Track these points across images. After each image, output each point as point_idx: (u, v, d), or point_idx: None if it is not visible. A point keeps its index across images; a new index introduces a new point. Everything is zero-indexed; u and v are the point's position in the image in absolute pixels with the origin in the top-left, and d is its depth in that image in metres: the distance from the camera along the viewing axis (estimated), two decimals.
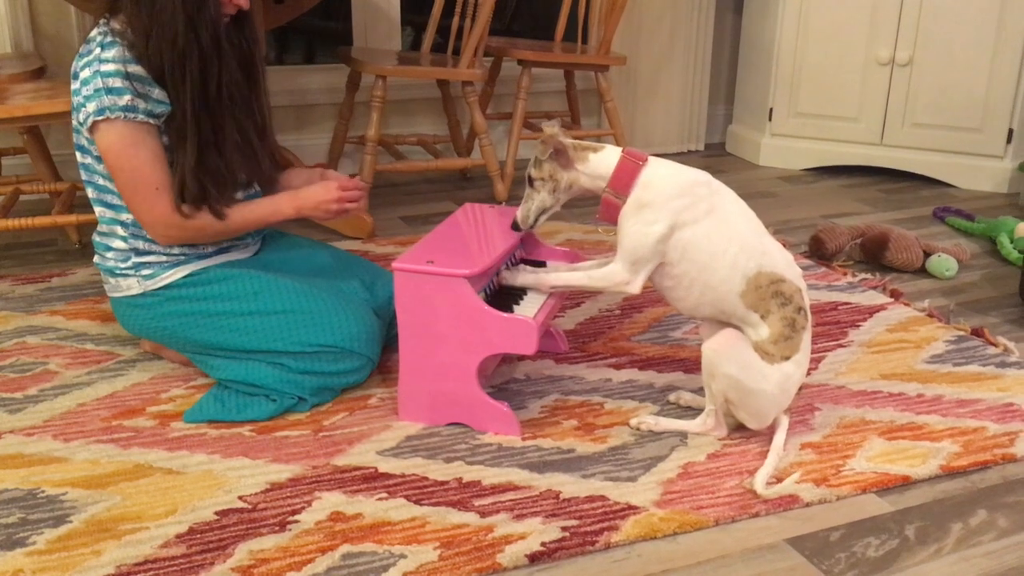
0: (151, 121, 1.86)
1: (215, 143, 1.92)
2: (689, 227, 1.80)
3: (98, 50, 1.84)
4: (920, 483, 1.80)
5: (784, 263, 1.85)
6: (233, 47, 1.94)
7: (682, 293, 1.86)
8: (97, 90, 1.82)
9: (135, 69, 1.84)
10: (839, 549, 1.61)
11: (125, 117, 1.83)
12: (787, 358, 1.81)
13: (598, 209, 1.88)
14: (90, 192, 1.99)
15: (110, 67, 1.82)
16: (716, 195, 1.84)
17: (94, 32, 1.88)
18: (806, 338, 1.84)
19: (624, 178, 1.83)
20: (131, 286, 1.99)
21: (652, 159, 1.86)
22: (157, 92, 1.86)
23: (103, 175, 1.94)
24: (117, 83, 1.82)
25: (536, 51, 3.46)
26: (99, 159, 1.92)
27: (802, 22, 3.86)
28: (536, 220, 1.92)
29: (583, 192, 1.90)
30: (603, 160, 1.85)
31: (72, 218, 2.63)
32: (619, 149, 1.86)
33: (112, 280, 2.02)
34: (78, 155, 1.97)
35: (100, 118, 1.83)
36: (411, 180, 3.73)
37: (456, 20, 3.35)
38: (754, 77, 4.11)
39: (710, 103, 4.33)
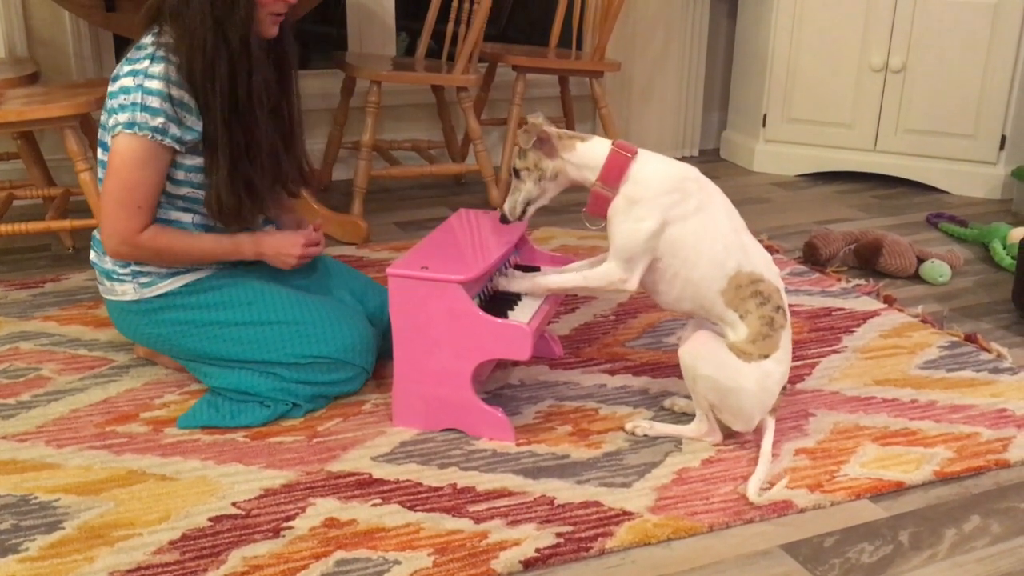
0: (176, 147, 1.86)
1: (247, 151, 1.91)
2: (679, 223, 1.81)
3: (147, 62, 1.83)
4: (914, 489, 1.80)
5: (763, 263, 1.86)
6: (267, 51, 1.94)
7: (664, 287, 1.86)
8: (135, 104, 1.82)
9: (179, 93, 1.84)
10: (833, 555, 1.61)
11: (152, 137, 1.83)
12: (766, 356, 1.81)
13: (586, 203, 1.87)
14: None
15: (154, 84, 1.82)
16: (704, 191, 1.85)
17: (147, 40, 1.87)
18: (786, 337, 1.84)
19: (614, 171, 1.83)
20: (126, 292, 1.99)
21: (642, 152, 1.86)
22: (191, 119, 1.86)
23: (105, 170, 1.93)
24: (155, 103, 1.82)
25: (531, 57, 3.47)
26: None
27: (796, 29, 3.87)
28: (524, 211, 1.91)
29: (570, 183, 1.89)
30: (591, 150, 1.85)
31: (66, 223, 2.63)
32: (608, 141, 1.86)
33: (107, 283, 2.01)
34: (99, 151, 1.96)
35: (128, 131, 1.83)
36: (406, 186, 3.73)
37: (451, 26, 3.36)
38: (748, 83, 4.12)
39: (704, 109, 4.33)
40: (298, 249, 2.04)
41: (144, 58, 1.84)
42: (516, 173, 1.89)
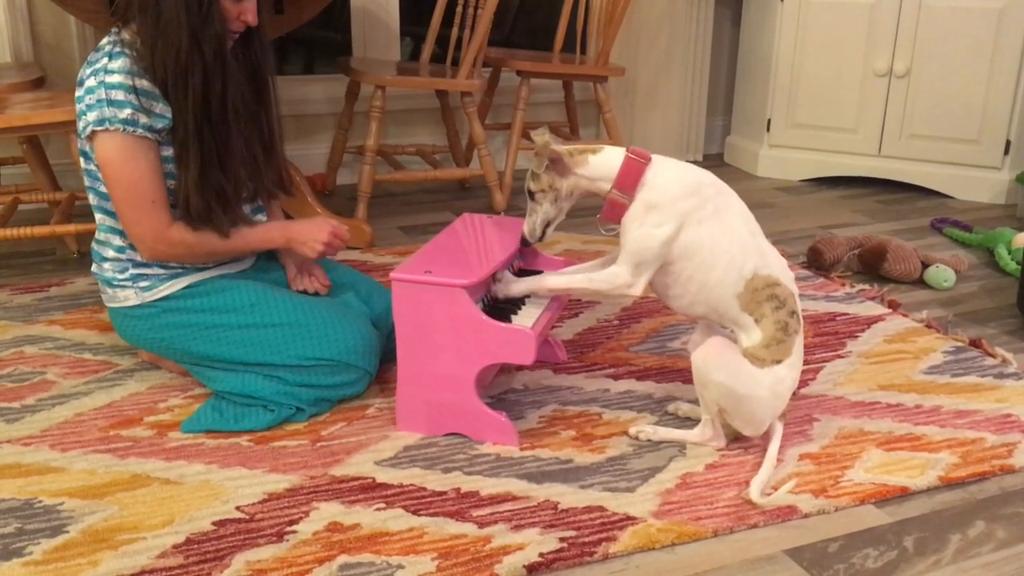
0: (149, 136, 1.86)
1: (218, 158, 1.91)
2: (694, 227, 1.80)
3: (105, 60, 1.85)
4: (918, 494, 1.80)
5: (780, 267, 1.85)
6: (240, 62, 1.95)
7: (679, 291, 1.86)
8: (99, 100, 1.83)
9: (141, 83, 1.84)
10: (837, 560, 1.60)
11: (124, 130, 1.83)
12: (779, 362, 1.81)
13: (601, 209, 1.86)
14: (91, 198, 1.99)
15: (115, 79, 1.83)
16: (721, 196, 1.85)
17: (104, 41, 1.89)
18: (798, 342, 1.84)
19: (630, 177, 1.82)
20: (128, 297, 1.99)
21: (656, 157, 1.85)
22: (160, 107, 1.86)
23: (105, 183, 1.94)
24: (119, 96, 1.82)
25: (535, 62, 3.47)
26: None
27: (800, 33, 3.87)
28: (544, 232, 1.91)
29: (585, 194, 1.89)
30: (604, 160, 1.84)
31: (71, 227, 2.63)
32: (621, 148, 1.86)
33: (109, 291, 2.02)
34: (81, 161, 1.98)
35: (100, 128, 1.84)
36: (410, 190, 3.74)
37: (455, 31, 3.36)
38: (752, 88, 4.12)
39: (708, 114, 4.34)
40: (325, 234, 2.03)
41: (102, 56, 1.86)
42: (531, 195, 1.88)
